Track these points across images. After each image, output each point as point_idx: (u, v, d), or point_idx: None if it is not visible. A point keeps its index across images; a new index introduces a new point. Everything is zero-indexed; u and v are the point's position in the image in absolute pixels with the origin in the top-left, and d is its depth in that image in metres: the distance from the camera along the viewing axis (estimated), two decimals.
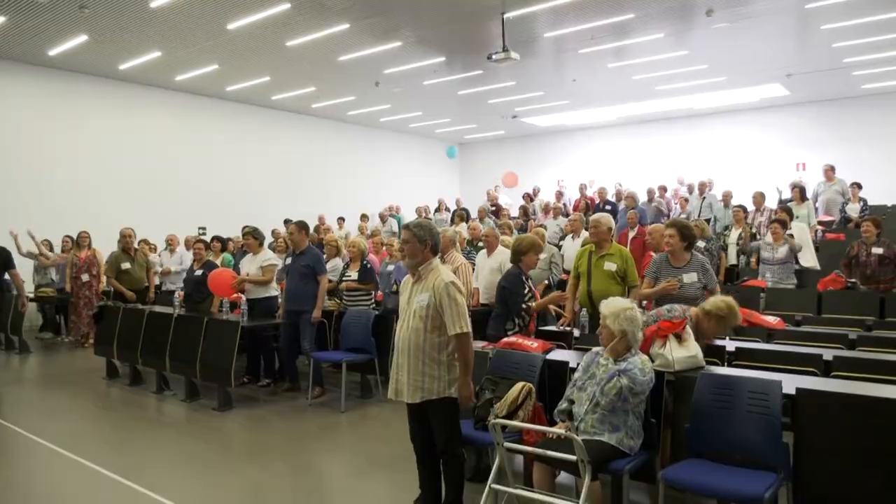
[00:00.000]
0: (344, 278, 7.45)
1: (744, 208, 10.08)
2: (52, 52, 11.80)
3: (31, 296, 10.52)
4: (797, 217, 9.58)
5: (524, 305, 5.07)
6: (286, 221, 12.49)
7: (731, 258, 9.33)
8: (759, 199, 10.53)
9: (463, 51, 12.16)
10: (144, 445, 5.49)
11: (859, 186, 11.42)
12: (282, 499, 4.35)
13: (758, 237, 9.27)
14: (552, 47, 12.13)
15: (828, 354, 4.26)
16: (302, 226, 6.96)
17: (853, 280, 7.33)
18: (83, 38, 11.02)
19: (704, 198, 12.59)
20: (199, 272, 7.75)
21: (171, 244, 10.98)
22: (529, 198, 15.65)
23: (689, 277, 4.92)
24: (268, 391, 7.15)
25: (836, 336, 5.06)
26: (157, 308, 8.04)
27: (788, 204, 10.32)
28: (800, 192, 10.50)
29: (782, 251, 7.65)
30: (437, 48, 12.03)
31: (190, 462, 5.07)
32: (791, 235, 7.88)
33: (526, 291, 5.11)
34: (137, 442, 5.59)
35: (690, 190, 14.16)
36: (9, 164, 12.36)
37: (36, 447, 5.36)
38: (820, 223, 10.89)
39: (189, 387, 6.85)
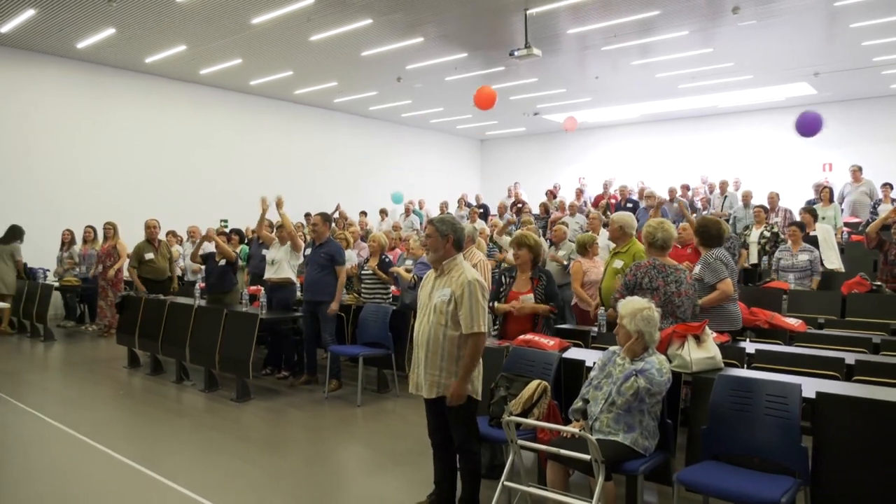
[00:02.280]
0: (362, 272, 7.49)
1: (764, 208, 9.94)
2: (80, 45, 11.97)
3: (56, 285, 10.72)
4: (823, 218, 9.43)
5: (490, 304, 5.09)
6: (307, 215, 12.59)
7: (753, 257, 9.20)
8: (773, 199, 10.40)
9: (485, 47, 12.13)
10: (163, 434, 5.57)
11: (891, 187, 11.18)
12: (297, 490, 4.38)
13: (781, 235, 9.14)
14: (575, 44, 12.05)
15: (850, 358, 4.19)
16: (326, 217, 7.05)
17: (879, 283, 7.20)
18: (110, 31, 11.17)
19: (726, 196, 12.45)
20: (222, 262, 7.83)
21: (192, 236, 11.07)
22: (552, 195, 15.57)
23: (695, 270, 5.02)
24: (286, 383, 7.21)
25: (860, 340, 4.97)
26: (179, 299, 8.15)
27: (815, 206, 10.15)
28: (829, 193, 10.34)
29: (802, 258, 7.55)
30: (459, 44, 12.01)
31: (207, 451, 5.13)
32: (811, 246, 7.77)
33: (501, 289, 5.12)
34: (156, 431, 5.67)
35: (712, 189, 14.03)
36: (35, 154, 12.57)
37: (57, 434, 5.45)
38: (846, 225, 10.70)
39: (208, 377, 6.94)
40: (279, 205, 7.23)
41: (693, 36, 11.46)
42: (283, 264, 7.34)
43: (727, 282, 4.87)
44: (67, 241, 11.18)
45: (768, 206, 10.36)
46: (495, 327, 5.14)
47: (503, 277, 5.18)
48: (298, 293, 7.61)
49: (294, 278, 7.42)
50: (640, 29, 11.05)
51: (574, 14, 10.39)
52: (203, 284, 8.03)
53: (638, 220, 10.57)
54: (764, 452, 3.26)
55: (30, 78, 12.52)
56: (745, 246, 9.22)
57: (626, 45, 11.85)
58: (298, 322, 7.29)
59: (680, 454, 3.70)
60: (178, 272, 10.62)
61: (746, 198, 11.51)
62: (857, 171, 11.39)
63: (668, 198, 12.88)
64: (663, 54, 12.55)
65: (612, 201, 13.81)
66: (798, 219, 9.15)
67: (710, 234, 5.11)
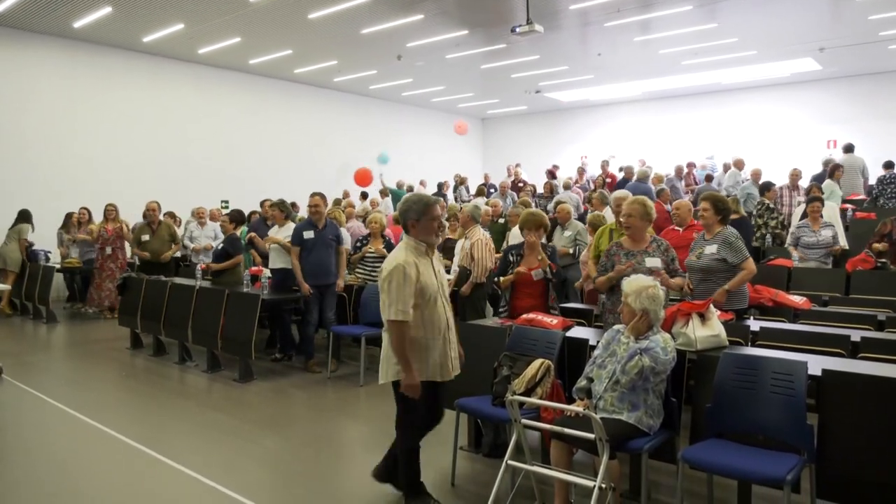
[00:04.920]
0: (368, 254, 7.45)
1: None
2: (77, 24, 11.82)
3: (59, 266, 10.71)
4: (828, 195, 9.35)
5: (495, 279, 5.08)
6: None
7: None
8: (796, 176, 10.22)
9: (486, 24, 11.97)
10: (166, 415, 5.58)
11: (887, 166, 10.94)
12: (299, 469, 4.39)
13: (780, 211, 9.02)
14: (577, 20, 11.88)
15: (855, 335, 4.17)
16: (323, 198, 7.00)
17: (883, 260, 7.15)
18: (107, 9, 11.01)
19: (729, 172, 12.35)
20: (221, 246, 7.79)
21: (200, 217, 10.97)
22: (552, 174, 15.48)
23: (710, 249, 4.86)
24: (288, 364, 7.20)
25: (865, 317, 4.94)
26: (180, 280, 8.13)
27: (823, 183, 10.05)
28: (832, 170, 10.23)
29: (825, 234, 7.35)
30: (459, 21, 11.85)
31: (210, 432, 5.14)
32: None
33: (510, 267, 5.05)
34: (159, 411, 5.68)
35: (727, 169, 13.88)
36: (32, 135, 12.47)
37: (61, 415, 5.47)
38: (849, 202, 10.62)
39: (211, 358, 6.94)
40: None
41: (696, 11, 11.29)
42: (281, 253, 7.29)
43: (751, 261, 4.81)
44: (75, 223, 11.15)
45: (790, 183, 10.20)
46: (503, 305, 5.09)
47: (510, 255, 5.12)
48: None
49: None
50: (643, 4, 10.88)
51: None
52: (204, 266, 8.00)
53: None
54: (769, 430, 3.24)
55: (26, 59, 12.38)
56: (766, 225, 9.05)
57: (628, 20, 11.68)
58: (300, 303, 7.26)
59: (684, 432, 3.68)
60: (178, 253, 10.60)
61: (755, 175, 11.36)
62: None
63: (674, 174, 12.85)
64: (666, 30, 12.38)
65: (608, 180, 13.72)
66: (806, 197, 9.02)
67: (727, 208, 4.99)
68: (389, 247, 7.31)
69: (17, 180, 12.10)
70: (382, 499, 3.82)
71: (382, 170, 16.81)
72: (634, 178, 11.75)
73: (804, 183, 10.46)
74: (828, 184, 9.98)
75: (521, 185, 14.71)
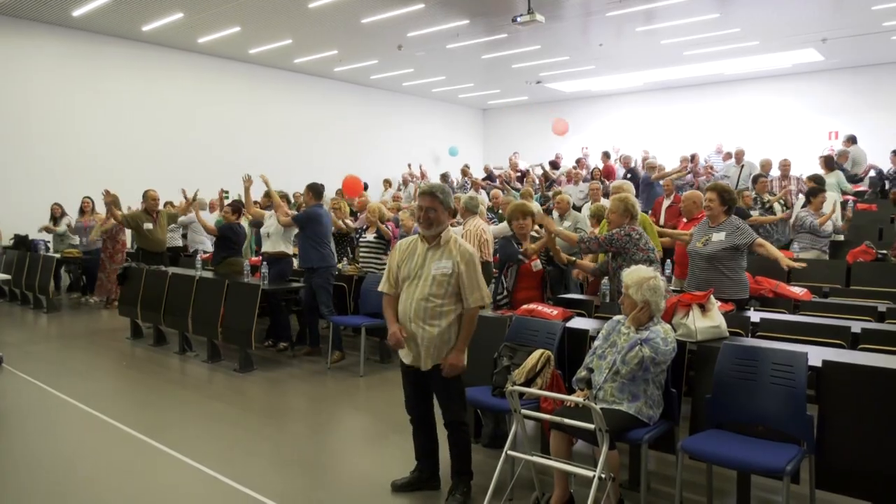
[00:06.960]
0: (361, 241, 7.46)
1: (763, 175, 9.77)
2: (76, 13, 11.77)
3: (58, 256, 10.71)
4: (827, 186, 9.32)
5: (520, 250, 5.01)
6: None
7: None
8: (786, 166, 10.24)
9: (487, 13, 11.90)
10: (166, 404, 5.59)
11: None
12: (299, 459, 4.40)
13: (778, 201, 9.01)
14: (579, 10, 11.81)
15: (856, 327, 4.16)
16: (311, 188, 6.99)
17: (884, 251, 7.14)
18: None
19: (743, 165, 12.27)
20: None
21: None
22: (555, 165, 15.45)
23: (717, 237, 4.84)
24: (288, 354, 7.21)
25: (865, 308, 4.93)
26: (180, 270, 8.12)
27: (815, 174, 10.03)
28: (825, 161, 10.22)
29: (828, 225, 7.43)
30: (460, 10, 11.78)
31: (210, 421, 5.14)
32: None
33: (518, 248, 5.06)
34: (160, 401, 5.68)
35: (728, 158, 13.81)
36: (30, 125, 12.43)
37: (61, 404, 5.47)
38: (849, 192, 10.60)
39: (211, 348, 6.95)
40: (266, 182, 7.35)
41: (699, 1, 11.23)
42: (277, 237, 7.30)
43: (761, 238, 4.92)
44: (58, 216, 11.16)
45: (780, 174, 10.20)
46: (503, 294, 5.07)
47: (513, 242, 5.13)
48: (296, 264, 7.59)
49: (289, 251, 7.38)
50: None
51: None
52: (205, 256, 8.00)
53: (639, 190, 10.53)
54: (769, 421, 3.24)
55: (25, 48, 12.32)
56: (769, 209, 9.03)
57: (630, 10, 11.62)
58: (299, 293, 7.27)
59: (684, 423, 3.69)
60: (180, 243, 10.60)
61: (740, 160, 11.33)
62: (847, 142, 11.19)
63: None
64: (668, 20, 12.31)
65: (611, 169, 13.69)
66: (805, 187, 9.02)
67: (733, 199, 5.00)
68: (381, 233, 7.40)
69: (15, 170, 12.07)
70: (381, 488, 3.83)
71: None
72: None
73: (796, 172, 10.46)
74: (835, 174, 9.96)
75: (519, 174, 14.65)
